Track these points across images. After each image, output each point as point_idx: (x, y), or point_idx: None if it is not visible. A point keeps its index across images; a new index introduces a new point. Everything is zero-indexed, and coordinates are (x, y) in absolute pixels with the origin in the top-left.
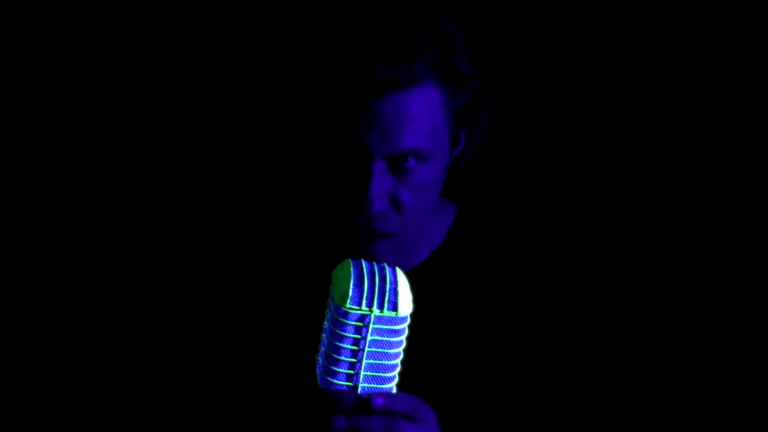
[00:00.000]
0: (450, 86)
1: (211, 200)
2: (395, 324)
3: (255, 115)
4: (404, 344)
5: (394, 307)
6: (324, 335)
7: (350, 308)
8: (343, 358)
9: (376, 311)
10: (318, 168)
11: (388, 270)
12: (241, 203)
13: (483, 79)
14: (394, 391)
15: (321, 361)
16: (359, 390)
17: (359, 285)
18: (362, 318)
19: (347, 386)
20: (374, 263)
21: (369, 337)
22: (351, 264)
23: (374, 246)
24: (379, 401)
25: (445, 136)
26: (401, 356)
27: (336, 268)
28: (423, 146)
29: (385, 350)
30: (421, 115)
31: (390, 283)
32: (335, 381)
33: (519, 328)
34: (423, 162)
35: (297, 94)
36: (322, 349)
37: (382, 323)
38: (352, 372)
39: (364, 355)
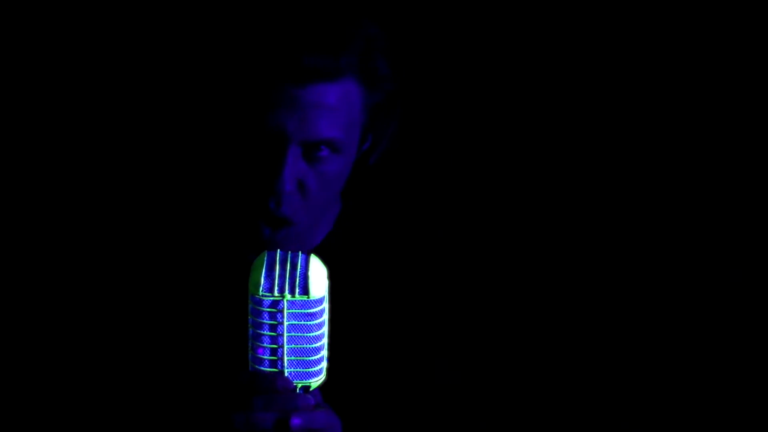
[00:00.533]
0: (368, 84)
1: (125, 194)
2: (309, 307)
3: (176, 95)
4: (325, 327)
5: (305, 291)
6: (249, 329)
7: (263, 295)
8: (265, 344)
9: (287, 296)
10: (234, 150)
11: (300, 257)
12: (155, 198)
13: (399, 83)
14: (324, 374)
15: (250, 351)
16: (286, 374)
17: (270, 273)
18: (275, 303)
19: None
20: (289, 252)
21: (285, 322)
22: (265, 254)
23: (277, 232)
24: (297, 421)
25: (357, 132)
26: (324, 339)
27: (255, 260)
28: (338, 138)
29: (305, 333)
30: (340, 107)
31: (300, 269)
32: (262, 368)
33: (402, 297)
34: (335, 153)
35: (223, 74)
36: (249, 342)
37: (296, 307)
38: (275, 358)
39: (284, 339)
